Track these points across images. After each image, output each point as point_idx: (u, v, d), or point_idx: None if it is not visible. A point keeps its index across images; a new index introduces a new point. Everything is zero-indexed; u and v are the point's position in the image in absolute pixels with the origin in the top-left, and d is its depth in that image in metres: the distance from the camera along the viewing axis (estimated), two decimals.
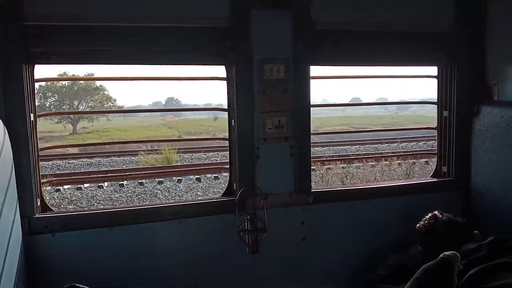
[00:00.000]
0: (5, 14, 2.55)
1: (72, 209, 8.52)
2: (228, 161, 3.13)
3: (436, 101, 3.64)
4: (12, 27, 2.57)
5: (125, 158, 16.66)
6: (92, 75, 32.47)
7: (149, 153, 15.89)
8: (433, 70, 3.62)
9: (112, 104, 41.22)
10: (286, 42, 3.03)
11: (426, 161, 14.37)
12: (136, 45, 2.81)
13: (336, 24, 3.18)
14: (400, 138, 20.16)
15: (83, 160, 16.46)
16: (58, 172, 13.85)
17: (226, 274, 3.07)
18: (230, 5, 2.92)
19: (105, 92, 40.84)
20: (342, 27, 3.19)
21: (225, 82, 3.07)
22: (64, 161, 16.24)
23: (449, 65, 3.50)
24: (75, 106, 39.31)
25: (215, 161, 16.04)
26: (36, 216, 2.75)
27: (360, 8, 3.20)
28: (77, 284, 2.22)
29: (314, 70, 3.18)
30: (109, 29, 2.76)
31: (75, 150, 18.52)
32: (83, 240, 2.81)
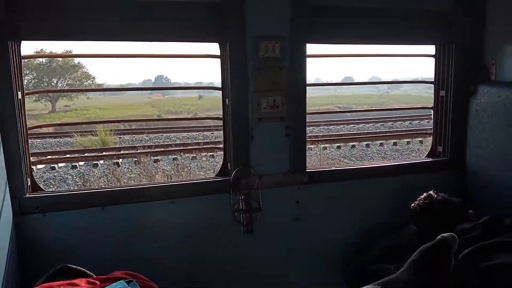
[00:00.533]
0: None
1: (63, 189, 8.47)
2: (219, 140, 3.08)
3: (432, 80, 3.61)
4: None
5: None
6: (71, 51, 31.99)
7: (85, 135, 15.52)
8: (430, 49, 3.59)
9: (91, 82, 40.61)
10: (282, 19, 2.96)
11: (420, 140, 14.53)
12: (127, 21, 2.73)
13: (333, 1, 3.12)
14: (384, 118, 20.10)
15: (59, 139, 16.17)
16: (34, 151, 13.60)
17: (220, 254, 3.07)
18: None
19: (83, 69, 40.14)
20: (339, 4, 3.13)
21: (218, 60, 3.02)
22: (41, 140, 15.98)
23: (447, 44, 3.46)
24: (53, 84, 38.54)
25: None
26: (27, 196, 2.71)
27: None
28: (69, 265, 2.20)
29: (309, 48, 3.13)
30: (99, 4, 2.67)
31: (50, 130, 18.04)
32: (74, 220, 2.78)
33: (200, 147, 13.73)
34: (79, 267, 2.20)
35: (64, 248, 2.73)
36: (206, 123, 18.34)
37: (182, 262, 3.00)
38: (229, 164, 3.12)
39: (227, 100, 3.04)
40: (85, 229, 2.80)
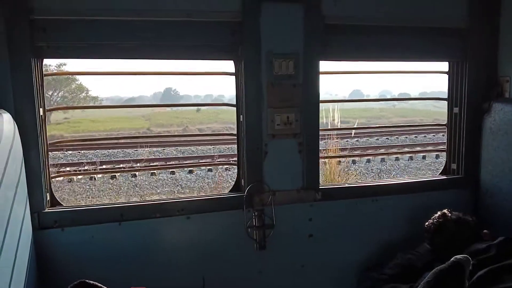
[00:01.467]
0: (13, 8, 2.54)
1: (81, 204, 8.60)
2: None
3: (441, 92, 3.61)
4: (20, 21, 2.56)
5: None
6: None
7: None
8: (443, 65, 3.59)
9: (86, 94, 41.57)
10: (296, 37, 2.99)
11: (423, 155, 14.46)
12: (144, 39, 2.79)
13: (347, 19, 3.14)
14: (386, 132, 20.14)
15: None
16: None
17: (233, 270, 3.08)
18: None
19: (77, 82, 40.74)
20: (353, 21, 3.16)
21: (230, 76, 3.07)
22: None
23: (461, 61, 3.46)
24: (48, 95, 38.91)
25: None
26: (46, 210, 2.77)
27: (371, 3, 3.16)
28: (87, 280, 2.24)
29: (322, 65, 3.16)
30: (117, 23, 2.74)
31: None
32: (92, 235, 2.82)
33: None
34: (96, 283, 2.23)
35: (82, 263, 2.76)
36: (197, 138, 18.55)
37: (196, 278, 3.02)
38: (242, 180, 3.14)
39: (241, 116, 3.07)
40: (103, 244, 2.84)
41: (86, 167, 12.83)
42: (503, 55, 3.41)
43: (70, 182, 11.75)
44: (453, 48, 3.43)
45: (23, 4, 2.56)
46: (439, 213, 2.97)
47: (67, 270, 2.72)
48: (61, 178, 11.79)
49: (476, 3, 3.35)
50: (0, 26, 2.52)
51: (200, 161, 14.00)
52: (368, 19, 3.18)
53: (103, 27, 2.73)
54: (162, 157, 15.21)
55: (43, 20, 2.63)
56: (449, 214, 2.94)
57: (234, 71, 3.04)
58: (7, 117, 2.36)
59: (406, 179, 3.73)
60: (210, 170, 12.64)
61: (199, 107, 42.16)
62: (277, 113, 3.04)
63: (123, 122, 37.17)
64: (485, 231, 2.89)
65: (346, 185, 3.50)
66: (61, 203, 2.96)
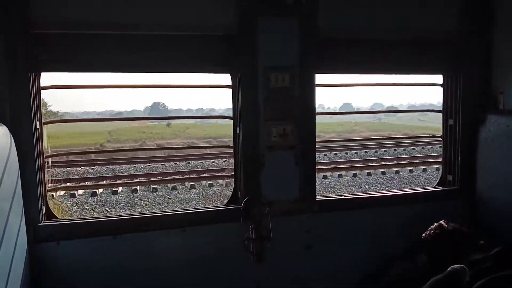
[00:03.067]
0: (12, 22, 2.57)
1: (76, 217, 8.52)
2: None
3: (433, 108, 3.65)
4: (19, 35, 2.59)
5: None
6: None
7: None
8: (438, 78, 3.63)
9: (45, 110, 40.74)
10: (292, 50, 3.03)
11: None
12: (142, 53, 2.84)
13: (342, 32, 3.18)
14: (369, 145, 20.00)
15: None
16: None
17: (230, 282, 3.06)
18: (236, 12, 2.93)
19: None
20: (348, 35, 3.20)
21: (225, 89, 3.08)
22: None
23: (455, 74, 3.50)
24: None
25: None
26: (42, 224, 2.76)
27: (366, 16, 3.21)
28: None
29: (327, 77, 3.29)
30: (115, 38, 2.77)
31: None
32: (87, 248, 2.81)
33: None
34: None
35: (77, 276, 2.75)
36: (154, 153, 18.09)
37: None
38: (239, 192, 3.14)
39: (237, 128, 3.09)
40: (98, 257, 2.83)
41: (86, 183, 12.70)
42: (496, 68, 3.45)
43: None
44: (447, 61, 3.48)
45: (24, 19, 2.59)
46: (435, 224, 2.99)
47: (62, 283, 2.71)
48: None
49: (469, 17, 3.41)
50: (0, 40, 2.55)
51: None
52: (363, 32, 3.22)
53: (100, 41, 2.77)
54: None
55: (42, 34, 2.66)
56: (446, 225, 2.97)
57: (231, 84, 3.09)
58: (3, 129, 2.37)
59: (402, 191, 3.80)
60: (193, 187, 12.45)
61: (169, 121, 42.63)
62: (274, 125, 3.07)
63: (85, 137, 35.86)
64: (481, 242, 2.89)
65: (343, 197, 3.52)
66: (57, 216, 2.94)
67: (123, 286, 2.83)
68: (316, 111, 3.19)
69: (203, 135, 37.10)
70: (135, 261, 2.90)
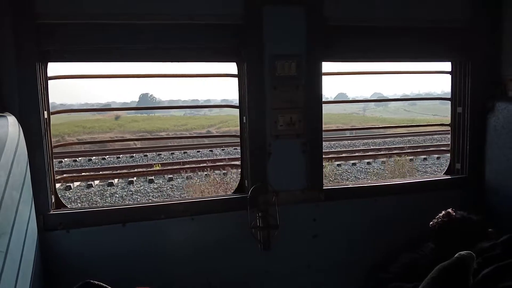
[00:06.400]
0: (19, 13, 2.58)
1: (86, 206, 8.59)
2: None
3: (449, 96, 3.62)
4: (26, 26, 2.60)
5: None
6: None
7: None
8: (446, 65, 3.60)
9: None
10: (298, 39, 3.02)
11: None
12: (148, 43, 2.83)
13: (349, 20, 3.16)
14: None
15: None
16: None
17: (238, 270, 3.08)
18: (243, 1, 2.92)
19: None
20: (354, 23, 3.17)
21: (233, 78, 3.08)
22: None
23: (464, 61, 3.46)
24: None
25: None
26: (51, 212, 2.79)
27: (373, 4, 3.18)
28: (92, 281, 2.25)
29: (327, 65, 3.19)
30: (121, 27, 2.78)
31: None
32: (97, 237, 2.84)
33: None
34: (101, 283, 2.24)
35: (87, 264, 2.78)
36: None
37: (201, 278, 3.02)
38: (246, 181, 3.14)
39: (244, 118, 3.08)
40: (107, 246, 2.86)
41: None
42: (506, 55, 3.40)
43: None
44: (456, 48, 3.43)
45: (30, 9, 2.60)
46: (443, 212, 2.97)
47: (72, 271, 2.74)
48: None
49: (478, 3, 3.36)
50: (7, 30, 2.57)
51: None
52: (370, 20, 3.19)
53: (107, 30, 2.77)
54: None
55: (49, 25, 2.67)
56: (454, 214, 2.93)
57: (237, 73, 3.08)
58: (12, 119, 2.39)
59: (409, 179, 3.72)
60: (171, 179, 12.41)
61: (118, 115, 43.01)
62: (281, 114, 3.05)
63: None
64: (490, 230, 2.87)
65: (350, 186, 3.50)
66: (66, 205, 2.98)
67: (132, 273, 2.85)
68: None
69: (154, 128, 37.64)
70: (144, 249, 2.92)
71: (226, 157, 15.03)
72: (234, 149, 16.76)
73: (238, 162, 12.00)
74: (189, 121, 44.61)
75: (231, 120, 41.55)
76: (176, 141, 19.60)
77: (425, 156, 14.85)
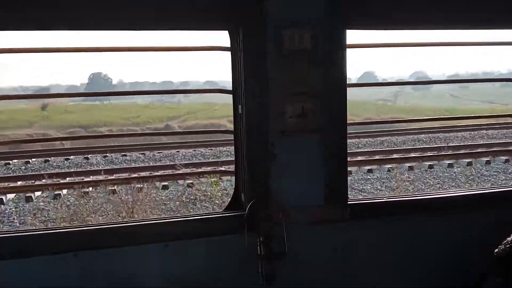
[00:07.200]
0: None
1: (26, 229, 7.72)
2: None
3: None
4: None
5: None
6: None
7: None
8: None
9: None
10: None
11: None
12: (124, 9, 2.49)
13: None
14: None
15: None
16: None
17: None
18: None
19: None
20: None
21: (224, 53, 2.71)
22: None
23: None
24: None
25: None
26: None
27: None
28: None
29: (352, 35, 2.74)
30: None
31: None
32: (40, 270, 2.46)
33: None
34: None
35: None
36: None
37: None
38: (242, 194, 2.75)
39: (239, 107, 2.68)
40: (54, 281, 2.47)
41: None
42: None
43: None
44: None
45: None
46: None
47: None
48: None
49: None
50: None
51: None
52: None
53: None
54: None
55: None
56: None
57: (229, 46, 2.68)
58: None
59: (467, 190, 3.32)
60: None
61: (45, 103, 37.21)
62: (289, 102, 2.64)
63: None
64: None
65: (385, 199, 3.04)
66: None
67: None
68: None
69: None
70: (103, 285, 2.54)
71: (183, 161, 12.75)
72: (194, 150, 14.95)
73: (227, 168, 10.79)
74: (146, 112, 38.80)
75: (205, 110, 37.76)
76: (122, 140, 17.26)
77: (487, 158, 12.48)
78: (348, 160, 2.85)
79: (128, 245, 2.56)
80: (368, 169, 11.51)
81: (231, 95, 2.71)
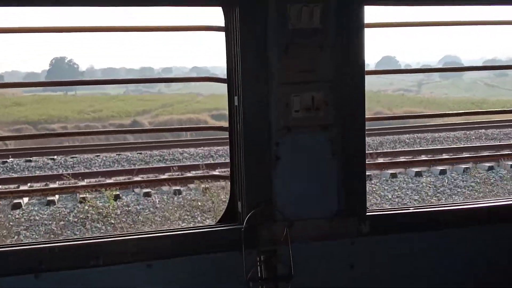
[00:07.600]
0: None
1: None
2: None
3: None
4: None
5: None
6: None
7: None
8: None
9: None
10: None
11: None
12: None
13: None
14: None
15: None
16: None
17: None
18: None
19: None
20: None
21: (217, 34, 2.53)
22: None
23: None
24: None
25: None
26: None
27: None
28: None
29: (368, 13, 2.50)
30: None
31: None
32: None
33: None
34: None
35: None
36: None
37: None
38: (239, 203, 2.52)
39: (236, 98, 2.46)
40: None
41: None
42: None
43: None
44: None
45: None
46: None
47: None
48: None
49: None
50: None
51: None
52: None
53: None
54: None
55: None
56: None
57: (224, 25, 2.49)
58: None
59: (501, 200, 2.95)
60: None
61: None
62: (295, 93, 2.44)
63: None
64: None
65: (409, 210, 2.77)
66: None
67: None
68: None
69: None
70: None
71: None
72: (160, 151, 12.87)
73: (219, 172, 9.79)
74: (112, 105, 35.03)
75: (184, 103, 34.71)
76: (80, 138, 15.91)
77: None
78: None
79: (102, 266, 2.30)
80: (392, 173, 10.11)
81: (225, 84, 2.48)
